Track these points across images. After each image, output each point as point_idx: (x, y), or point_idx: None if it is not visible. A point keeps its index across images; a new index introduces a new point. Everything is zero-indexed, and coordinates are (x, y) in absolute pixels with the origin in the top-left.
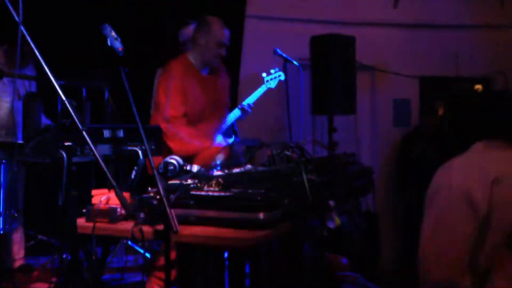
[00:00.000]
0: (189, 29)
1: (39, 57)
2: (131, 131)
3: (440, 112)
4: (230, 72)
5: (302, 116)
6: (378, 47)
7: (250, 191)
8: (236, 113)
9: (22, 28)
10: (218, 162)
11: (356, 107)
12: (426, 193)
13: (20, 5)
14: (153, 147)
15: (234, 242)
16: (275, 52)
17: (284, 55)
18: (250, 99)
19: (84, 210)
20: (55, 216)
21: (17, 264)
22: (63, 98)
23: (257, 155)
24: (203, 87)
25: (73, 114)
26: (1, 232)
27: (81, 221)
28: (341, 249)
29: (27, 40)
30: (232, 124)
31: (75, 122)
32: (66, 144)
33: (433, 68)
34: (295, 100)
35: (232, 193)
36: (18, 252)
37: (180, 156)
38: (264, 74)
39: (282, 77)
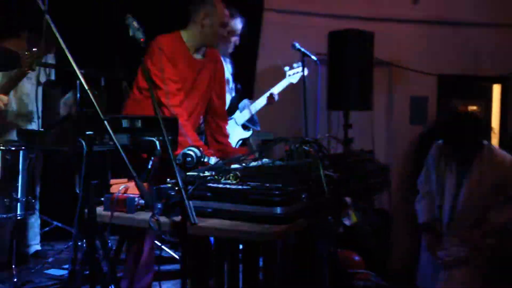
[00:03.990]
0: None
1: (63, 45)
2: (149, 121)
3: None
4: (247, 64)
5: (318, 111)
6: (397, 43)
7: (267, 185)
8: (262, 101)
9: (48, 16)
10: (212, 162)
11: (372, 104)
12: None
13: None
14: (170, 137)
15: (249, 236)
16: (293, 46)
17: (302, 49)
18: (276, 89)
19: (102, 199)
20: (72, 203)
21: (33, 250)
22: (85, 87)
23: (274, 149)
24: (192, 70)
25: (95, 103)
26: (18, 218)
27: (98, 209)
28: (354, 246)
29: (50, 28)
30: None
31: (97, 111)
32: (86, 133)
33: (452, 66)
34: (312, 95)
35: (249, 187)
36: (34, 238)
37: (197, 148)
38: (286, 68)
39: (305, 72)
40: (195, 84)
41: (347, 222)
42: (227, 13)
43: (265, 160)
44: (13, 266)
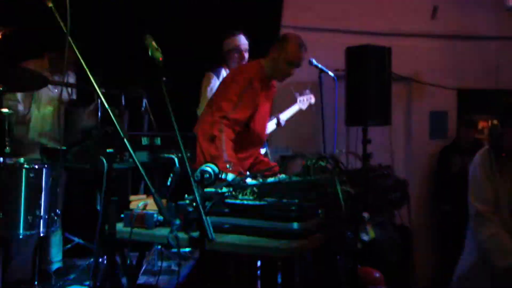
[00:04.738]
0: (234, 39)
1: (85, 66)
2: (168, 139)
3: (480, 125)
4: None
5: (336, 126)
6: (416, 58)
7: (284, 201)
8: (271, 126)
9: (69, 38)
10: (229, 179)
11: (391, 118)
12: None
13: (68, 18)
14: (189, 155)
15: (267, 252)
16: (310, 63)
17: (319, 65)
18: (285, 116)
19: (122, 216)
20: (94, 220)
21: (55, 267)
22: (106, 105)
23: (291, 165)
24: (268, 98)
25: (115, 121)
26: (41, 235)
27: (118, 226)
28: (374, 262)
29: (72, 49)
30: None
31: (117, 129)
32: (107, 151)
33: (472, 80)
34: (330, 110)
35: (266, 203)
36: (56, 255)
37: (215, 164)
38: (297, 95)
39: (313, 101)
40: (263, 112)
41: (364, 237)
42: (301, 55)
43: (282, 175)
44: (35, 283)
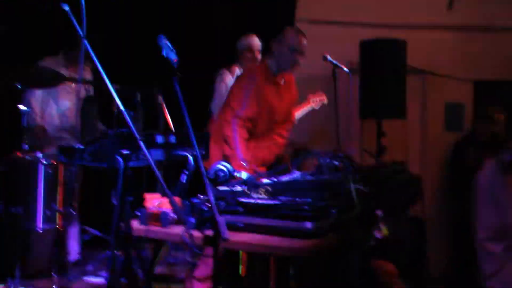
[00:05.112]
0: (248, 39)
1: (100, 68)
2: (182, 137)
3: (496, 117)
4: None
5: (350, 120)
6: (431, 50)
7: (298, 199)
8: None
9: (85, 41)
10: (243, 177)
11: (406, 112)
12: None
13: (84, 21)
14: (203, 152)
15: (280, 251)
16: (325, 58)
17: (334, 61)
18: (297, 114)
19: (137, 213)
20: (111, 213)
21: (72, 258)
22: (121, 108)
23: (304, 160)
24: (279, 95)
25: (130, 124)
26: (59, 228)
27: (134, 223)
28: (387, 255)
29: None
30: None
31: (132, 132)
32: (123, 152)
33: (489, 72)
34: (344, 104)
35: (280, 202)
36: (74, 247)
37: (229, 163)
38: (310, 95)
39: (325, 101)
40: (275, 107)
41: (378, 235)
42: (302, 41)
43: (295, 173)
44: (53, 275)
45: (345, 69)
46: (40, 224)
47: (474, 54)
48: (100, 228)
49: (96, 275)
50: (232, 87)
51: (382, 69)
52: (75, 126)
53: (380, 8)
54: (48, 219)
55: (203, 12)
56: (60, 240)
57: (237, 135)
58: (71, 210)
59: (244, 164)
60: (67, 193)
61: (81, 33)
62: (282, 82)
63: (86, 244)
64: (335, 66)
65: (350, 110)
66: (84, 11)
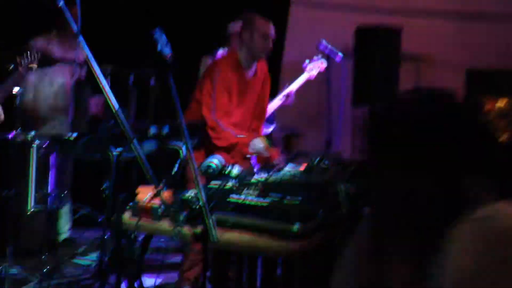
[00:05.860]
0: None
1: (91, 61)
2: (176, 128)
3: (487, 107)
4: (273, 58)
5: (342, 106)
6: (426, 37)
7: (287, 198)
8: (276, 103)
9: (81, 38)
10: (234, 172)
11: None
12: None
13: (79, 17)
14: (196, 140)
15: (268, 251)
16: (319, 45)
17: (329, 46)
18: (293, 86)
19: (130, 205)
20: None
21: (63, 237)
22: (116, 108)
23: (295, 144)
24: (246, 89)
25: (124, 124)
26: (49, 209)
27: (126, 215)
28: None
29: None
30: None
31: (126, 132)
32: (116, 150)
33: (482, 60)
34: (336, 90)
35: (268, 202)
36: (65, 226)
37: (221, 155)
38: (307, 61)
39: (324, 65)
40: (244, 100)
41: None
42: (270, 26)
43: (286, 168)
44: (44, 254)
45: (340, 54)
46: (31, 205)
47: (468, 42)
48: (92, 204)
49: (85, 256)
50: (202, 79)
51: (376, 56)
52: (68, 106)
53: None
54: (39, 201)
55: None
56: (51, 220)
57: (221, 122)
58: (62, 191)
59: (242, 136)
60: (59, 175)
61: (76, 28)
62: (251, 75)
63: (77, 222)
64: (328, 56)
65: (342, 95)
66: (79, 7)
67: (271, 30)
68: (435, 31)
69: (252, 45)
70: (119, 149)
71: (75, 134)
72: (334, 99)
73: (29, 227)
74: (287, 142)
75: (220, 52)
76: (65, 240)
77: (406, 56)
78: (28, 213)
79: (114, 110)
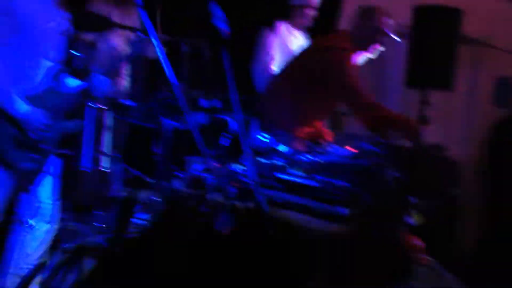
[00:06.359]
0: None
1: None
2: (227, 101)
3: None
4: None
5: (395, 87)
6: (487, 19)
7: (334, 182)
8: None
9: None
10: (282, 150)
11: (453, 84)
12: None
13: None
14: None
15: (317, 233)
16: None
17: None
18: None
19: (180, 175)
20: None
21: (115, 195)
22: (174, 82)
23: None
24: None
25: (180, 98)
26: (102, 170)
27: (175, 184)
28: (416, 231)
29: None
30: None
31: (181, 105)
32: (169, 121)
33: None
34: (389, 69)
35: (318, 184)
36: (116, 185)
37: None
38: None
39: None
40: None
41: (411, 222)
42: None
43: (335, 151)
44: (96, 211)
45: (395, 37)
46: (87, 164)
47: None
48: (143, 168)
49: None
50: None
51: (433, 37)
52: (122, 71)
53: None
54: (93, 161)
55: None
56: (104, 179)
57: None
58: (115, 152)
59: None
60: (113, 137)
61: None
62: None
63: (127, 183)
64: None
65: (395, 76)
66: None
67: (388, 27)
68: (498, 14)
69: (362, 34)
70: (172, 120)
71: (129, 101)
72: (386, 79)
73: (86, 184)
74: (335, 120)
75: (281, 26)
76: (117, 197)
77: (466, 38)
78: (83, 172)
79: (171, 84)
